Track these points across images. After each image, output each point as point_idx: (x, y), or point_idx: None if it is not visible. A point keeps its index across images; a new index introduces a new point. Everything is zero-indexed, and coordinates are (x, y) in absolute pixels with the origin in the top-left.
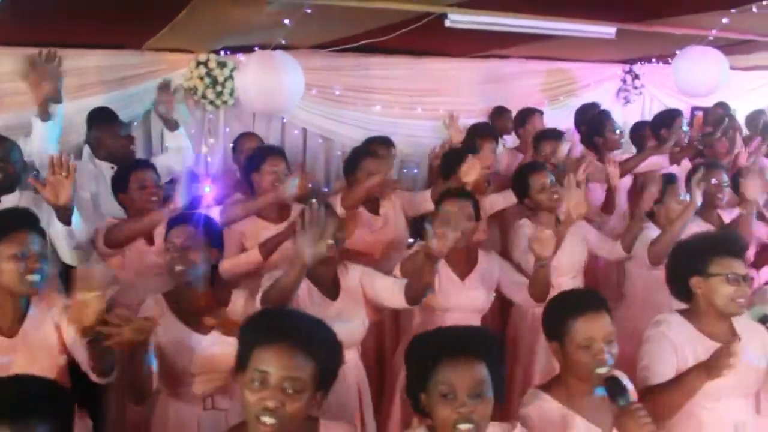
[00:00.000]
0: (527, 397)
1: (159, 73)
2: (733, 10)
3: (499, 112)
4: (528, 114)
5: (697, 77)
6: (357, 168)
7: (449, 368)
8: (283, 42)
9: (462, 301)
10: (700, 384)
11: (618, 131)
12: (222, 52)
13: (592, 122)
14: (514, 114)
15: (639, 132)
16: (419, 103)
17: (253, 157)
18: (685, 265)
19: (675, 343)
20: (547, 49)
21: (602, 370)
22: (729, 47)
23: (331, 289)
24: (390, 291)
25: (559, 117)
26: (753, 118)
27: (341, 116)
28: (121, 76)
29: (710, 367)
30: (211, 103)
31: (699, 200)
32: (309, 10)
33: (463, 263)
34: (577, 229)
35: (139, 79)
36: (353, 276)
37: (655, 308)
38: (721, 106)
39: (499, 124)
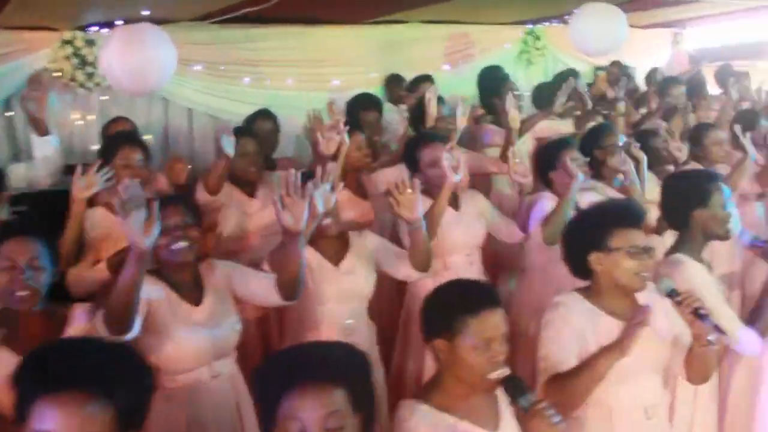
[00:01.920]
0: (402, 412)
1: (18, 54)
2: None
3: (394, 79)
4: (419, 82)
5: (594, 35)
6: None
7: (296, 400)
8: (149, 14)
9: (341, 287)
10: (609, 365)
11: (515, 93)
12: (90, 29)
13: (490, 85)
14: None
15: (540, 94)
16: (312, 74)
17: (103, 148)
18: (583, 241)
19: (576, 327)
20: (445, 12)
21: (498, 374)
22: (627, 4)
23: (193, 293)
24: (264, 288)
25: (461, 81)
26: (650, 77)
27: (229, 92)
28: None
29: (622, 345)
30: (82, 85)
31: (578, 173)
32: None
33: (335, 248)
34: (474, 203)
35: None
36: (220, 275)
37: (557, 282)
38: (616, 65)
39: (394, 93)
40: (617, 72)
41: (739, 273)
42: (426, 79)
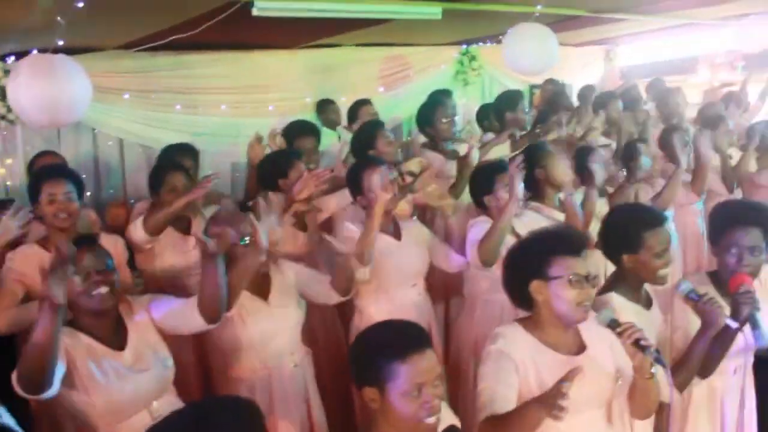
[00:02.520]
0: None
1: None
2: None
3: (324, 104)
4: (358, 107)
5: (527, 54)
6: (161, 184)
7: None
8: (67, 43)
9: (273, 322)
10: (541, 419)
11: (447, 119)
12: (8, 59)
13: (422, 111)
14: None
15: (484, 115)
16: (246, 100)
17: (29, 185)
18: (522, 269)
19: (516, 361)
20: (379, 34)
21: (432, 419)
22: (558, 24)
23: (115, 338)
24: (188, 313)
25: (397, 103)
26: (584, 94)
27: (161, 121)
28: None
29: (547, 406)
30: (3, 118)
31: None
32: (81, 4)
33: (259, 283)
34: (416, 231)
35: None
36: (139, 313)
37: (499, 310)
38: (551, 82)
39: (325, 118)
40: (551, 89)
41: None
42: (365, 103)
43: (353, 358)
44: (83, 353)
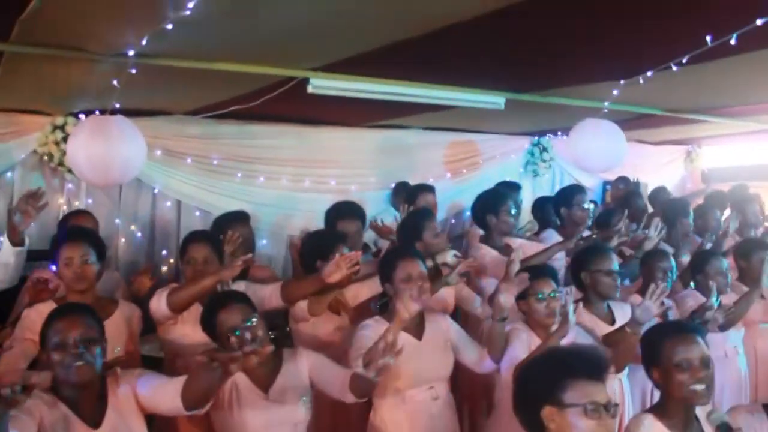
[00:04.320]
0: None
1: (8, 136)
2: (622, 82)
3: (400, 187)
4: (418, 191)
5: (592, 152)
6: (183, 253)
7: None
8: (118, 106)
9: (272, 416)
10: None
11: (508, 215)
12: (81, 116)
13: (484, 201)
14: None
15: (541, 209)
16: (307, 174)
17: (53, 243)
18: (534, 391)
19: None
20: (446, 119)
21: None
22: (635, 121)
23: (93, 413)
24: (169, 396)
25: (463, 191)
26: (655, 197)
27: (220, 188)
28: None
29: None
30: (70, 171)
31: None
32: (134, 71)
33: (263, 373)
34: (440, 328)
35: None
36: (123, 390)
37: None
38: (623, 181)
39: (397, 201)
40: (623, 189)
41: None
42: (426, 189)
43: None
44: (60, 425)
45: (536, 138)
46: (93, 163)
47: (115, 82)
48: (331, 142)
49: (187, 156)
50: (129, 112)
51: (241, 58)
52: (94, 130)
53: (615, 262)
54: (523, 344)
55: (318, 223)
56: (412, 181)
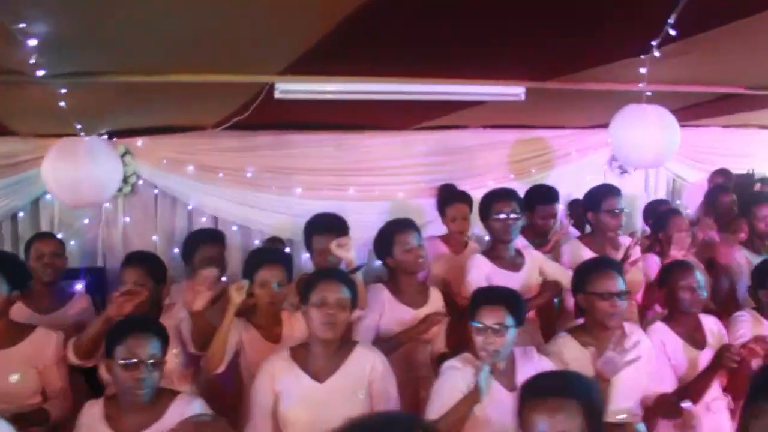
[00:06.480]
0: None
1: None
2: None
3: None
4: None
5: (633, 142)
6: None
7: None
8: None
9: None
10: None
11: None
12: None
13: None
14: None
15: (575, 210)
16: (351, 183)
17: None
18: None
19: None
20: (512, 115)
21: None
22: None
23: None
24: None
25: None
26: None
27: (257, 201)
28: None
29: None
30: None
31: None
32: (64, 90)
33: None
34: None
35: (24, 166)
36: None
37: None
38: (723, 173)
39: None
40: (722, 183)
41: None
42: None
43: None
44: None
45: None
46: (61, 185)
47: (62, 104)
48: (374, 148)
49: (219, 170)
50: (155, 129)
51: (197, 68)
52: (61, 152)
53: (619, 282)
54: None
55: (366, 234)
56: (470, 186)
